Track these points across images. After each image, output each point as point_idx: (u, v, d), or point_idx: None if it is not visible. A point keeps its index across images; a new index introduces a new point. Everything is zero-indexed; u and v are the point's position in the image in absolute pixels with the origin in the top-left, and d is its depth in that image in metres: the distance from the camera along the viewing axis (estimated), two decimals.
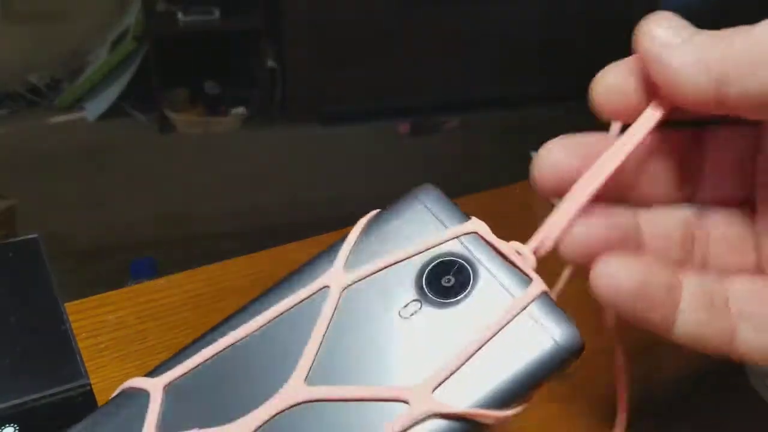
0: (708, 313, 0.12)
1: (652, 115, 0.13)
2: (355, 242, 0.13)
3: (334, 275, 0.13)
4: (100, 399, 0.22)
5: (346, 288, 0.12)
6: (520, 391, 0.10)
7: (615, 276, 0.12)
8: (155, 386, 0.12)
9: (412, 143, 1.53)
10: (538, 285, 0.12)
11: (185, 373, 0.12)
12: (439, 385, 0.10)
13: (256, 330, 0.13)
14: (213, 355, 0.12)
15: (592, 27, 1.69)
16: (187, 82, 1.59)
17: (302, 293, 0.13)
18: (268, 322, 0.13)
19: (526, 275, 0.12)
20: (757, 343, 0.12)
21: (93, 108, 1.56)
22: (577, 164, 0.14)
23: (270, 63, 1.56)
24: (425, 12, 1.59)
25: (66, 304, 0.24)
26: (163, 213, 1.22)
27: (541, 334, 0.11)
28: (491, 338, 0.11)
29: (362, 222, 0.13)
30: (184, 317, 0.26)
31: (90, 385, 0.22)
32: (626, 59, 0.14)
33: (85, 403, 0.22)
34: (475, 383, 0.10)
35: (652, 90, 0.13)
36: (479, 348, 0.11)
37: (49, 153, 1.40)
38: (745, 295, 0.13)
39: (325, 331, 0.12)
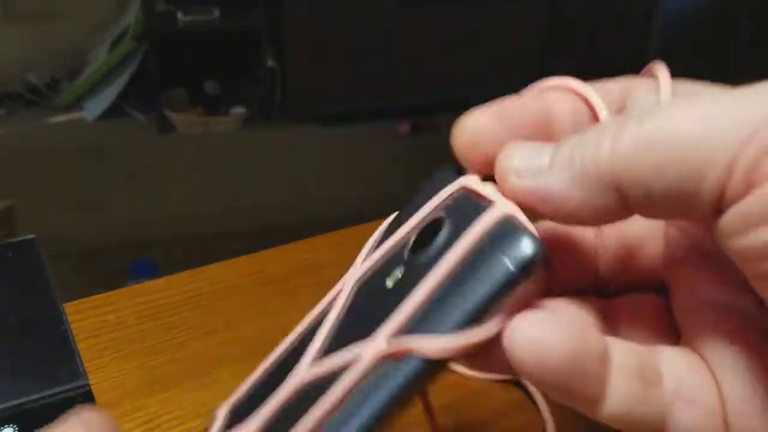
0: (642, 388, 0.10)
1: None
2: (378, 238, 0.13)
3: (352, 271, 0.13)
4: (100, 399, 0.22)
5: (358, 280, 0.13)
6: (473, 314, 0.10)
7: (543, 342, 0.10)
8: (222, 409, 0.13)
9: (412, 143, 1.54)
10: (498, 208, 0.10)
11: (245, 391, 0.13)
12: (399, 330, 0.10)
13: (295, 338, 0.13)
14: (265, 369, 0.13)
15: (592, 27, 1.70)
16: (187, 82, 1.59)
17: (330, 295, 0.13)
18: (305, 328, 0.13)
19: (490, 202, 0.11)
20: (693, 427, 0.10)
21: (92, 108, 1.56)
22: (503, 136, 0.12)
23: (270, 63, 1.56)
24: (425, 12, 1.59)
25: (65, 305, 0.24)
26: (162, 213, 1.22)
27: (493, 256, 0.10)
28: (447, 275, 0.10)
29: (388, 219, 0.13)
30: (184, 317, 0.26)
31: (89, 385, 0.22)
32: (492, 106, 0.12)
33: (84, 403, 0.22)
34: (428, 318, 0.10)
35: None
36: (434, 287, 0.10)
37: (48, 153, 1.40)
38: (683, 370, 0.11)
39: (336, 322, 0.12)
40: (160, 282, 0.28)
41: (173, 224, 1.18)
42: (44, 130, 1.52)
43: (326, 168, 1.41)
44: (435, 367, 0.10)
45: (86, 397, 0.22)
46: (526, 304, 0.10)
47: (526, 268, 0.10)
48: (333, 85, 1.58)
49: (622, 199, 0.10)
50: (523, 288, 0.10)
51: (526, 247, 0.10)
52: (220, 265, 0.29)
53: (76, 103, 1.58)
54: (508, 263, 0.10)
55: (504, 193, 0.11)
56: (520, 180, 0.11)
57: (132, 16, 1.53)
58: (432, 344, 0.10)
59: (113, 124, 1.55)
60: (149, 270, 0.97)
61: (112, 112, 1.56)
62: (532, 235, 0.10)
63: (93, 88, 1.57)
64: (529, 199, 0.11)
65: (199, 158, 1.45)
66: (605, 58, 1.73)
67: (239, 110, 1.59)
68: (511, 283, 0.10)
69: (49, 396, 0.21)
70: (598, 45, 1.70)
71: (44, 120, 1.54)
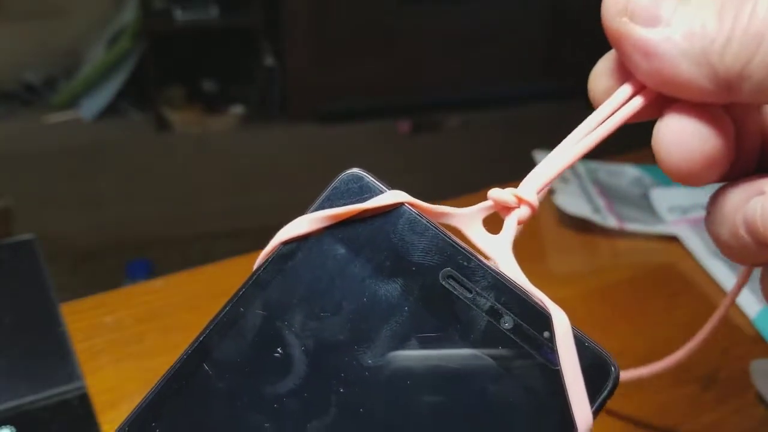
0: None
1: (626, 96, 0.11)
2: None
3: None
4: (97, 402, 0.22)
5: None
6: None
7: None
8: None
9: (412, 143, 1.53)
10: (563, 322, 0.11)
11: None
12: None
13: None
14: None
15: (594, 25, 1.69)
16: (185, 80, 1.58)
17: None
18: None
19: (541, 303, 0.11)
20: None
21: (89, 107, 1.55)
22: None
23: (268, 61, 1.55)
24: (425, 10, 1.58)
25: (62, 306, 0.24)
26: (160, 213, 1.21)
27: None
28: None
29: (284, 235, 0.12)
30: (183, 319, 0.26)
31: (85, 387, 0.21)
32: None
33: (80, 405, 0.21)
34: None
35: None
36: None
37: (44, 152, 1.39)
38: None
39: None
40: (158, 283, 0.28)
41: (171, 224, 1.17)
42: (41, 130, 1.51)
43: (326, 167, 1.40)
44: None
45: (82, 400, 0.21)
46: None
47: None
48: (332, 84, 1.57)
49: (731, 87, 0.10)
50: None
51: (614, 380, 0.10)
52: (218, 265, 0.29)
53: (73, 102, 1.57)
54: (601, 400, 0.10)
55: (607, 31, 0.10)
56: (631, 24, 0.10)
57: (129, 14, 1.52)
58: None
59: (110, 123, 1.54)
60: (145, 271, 0.97)
61: (110, 110, 1.55)
62: (610, 362, 0.10)
63: (90, 87, 1.56)
64: (631, 48, 0.10)
65: (198, 157, 1.44)
66: None
67: (237, 109, 1.58)
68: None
69: (45, 398, 0.20)
70: (600, 44, 1.69)
71: (41, 119, 1.53)
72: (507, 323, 0.11)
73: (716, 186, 0.12)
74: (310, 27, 1.51)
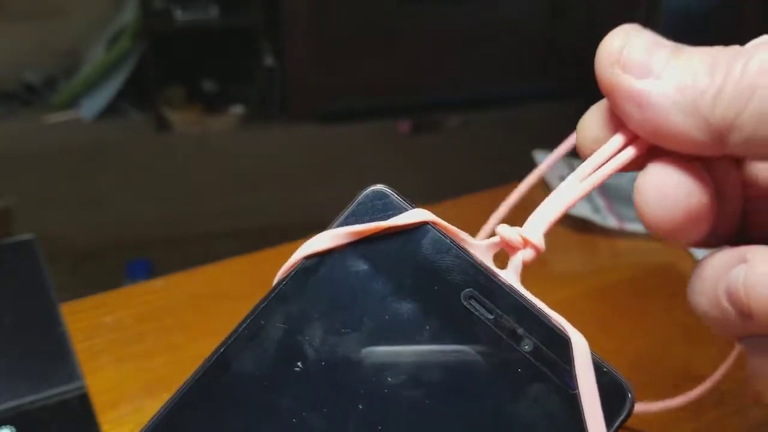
0: None
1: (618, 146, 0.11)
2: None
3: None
4: (97, 402, 0.22)
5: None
6: None
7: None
8: None
9: (412, 143, 1.53)
10: (581, 346, 0.11)
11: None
12: None
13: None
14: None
15: (593, 26, 1.69)
16: (185, 80, 1.58)
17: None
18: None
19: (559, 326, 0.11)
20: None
21: (89, 107, 1.55)
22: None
23: (268, 61, 1.55)
24: (425, 10, 1.58)
25: (62, 306, 0.24)
26: (160, 213, 1.21)
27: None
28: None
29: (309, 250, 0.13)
30: (183, 319, 0.26)
31: (85, 388, 0.21)
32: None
33: (80, 405, 0.21)
34: None
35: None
36: None
37: (44, 152, 1.39)
38: None
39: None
40: (158, 283, 0.28)
41: (171, 224, 1.17)
42: (41, 130, 1.51)
43: (326, 167, 1.40)
44: None
45: (82, 399, 0.21)
46: None
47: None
48: (332, 84, 1.57)
49: (722, 138, 0.10)
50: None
51: (630, 405, 0.10)
52: (218, 265, 0.29)
53: (73, 102, 1.57)
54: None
55: (600, 82, 0.10)
56: (624, 75, 0.10)
57: (129, 14, 1.52)
58: None
59: (110, 123, 1.54)
60: (144, 271, 0.97)
61: (110, 110, 1.55)
62: (627, 388, 0.10)
63: (90, 87, 1.56)
64: (624, 98, 0.10)
65: (197, 157, 1.44)
66: None
67: (237, 109, 1.58)
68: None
69: (45, 398, 0.20)
70: (599, 44, 1.69)
71: (41, 119, 1.53)
72: (527, 346, 0.11)
73: None
74: (310, 27, 1.51)
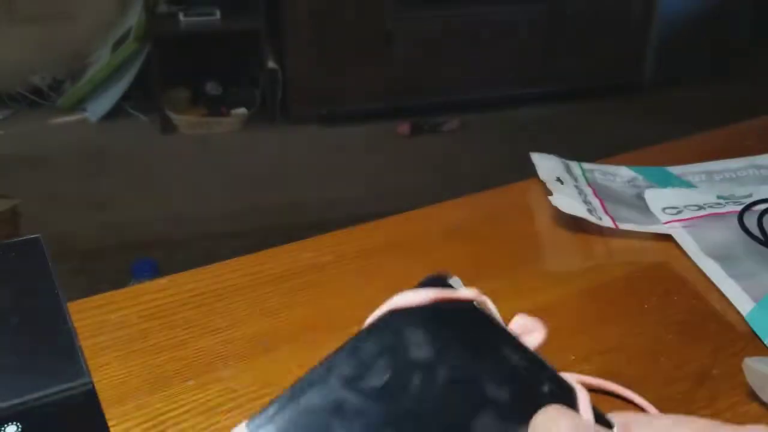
0: None
1: None
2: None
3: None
4: (103, 398, 0.23)
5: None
6: None
7: None
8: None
9: (412, 145, 1.54)
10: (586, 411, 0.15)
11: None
12: None
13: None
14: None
15: (592, 28, 1.69)
16: (189, 83, 1.59)
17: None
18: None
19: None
20: None
21: (95, 109, 1.57)
22: None
23: (271, 64, 1.56)
24: (425, 13, 1.59)
25: (68, 304, 0.24)
26: (164, 213, 1.22)
27: None
28: None
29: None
30: (186, 317, 0.26)
31: (92, 383, 0.22)
32: None
33: (87, 401, 0.22)
34: None
35: None
36: None
37: (51, 154, 1.41)
38: None
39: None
40: (162, 282, 0.28)
41: (175, 224, 1.18)
42: (47, 132, 1.53)
43: (326, 168, 1.41)
44: None
45: (89, 396, 0.22)
46: None
47: None
48: (333, 87, 1.58)
49: None
50: None
51: None
52: (222, 264, 0.30)
53: (79, 105, 1.59)
54: None
55: None
56: None
57: (134, 17, 1.53)
58: None
59: (116, 125, 1.55)
60: (150, 270, 0.98)
61: (115, 113, 1.56)
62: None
63: (95, 90, 1.57)
64: None
65: (201, 158, 1.45)
66: (605, 58, 1.73)
67: (240, 111, 1.59)
68: None
69: (52, 394, 0.21)
70: (598, 45, 1.70)
71: (47, 121, 1.55)
72: (546, 388, 0.15)
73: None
74: (312, 30, 1.52)
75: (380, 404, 0.14)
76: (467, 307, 0.15)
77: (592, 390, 0.23)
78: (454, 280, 0.16)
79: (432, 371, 0.14)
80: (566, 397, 0.14)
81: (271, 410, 0.14)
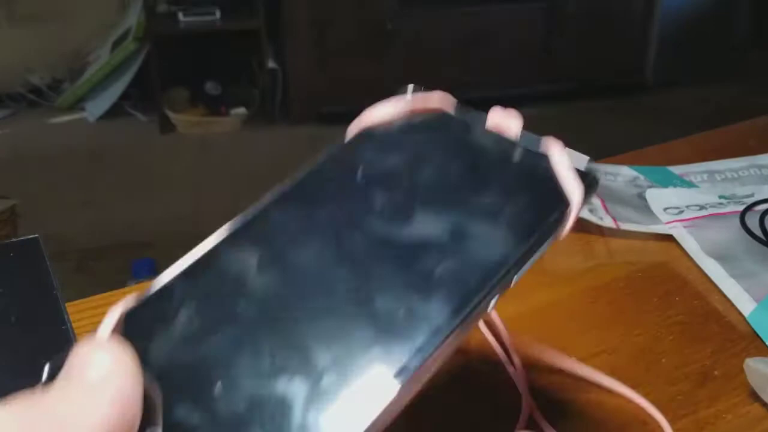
0: None
1: None
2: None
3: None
4: None
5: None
6: None
7: None
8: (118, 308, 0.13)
9: None
10: None
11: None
12: None
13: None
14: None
15: (592, 27, 1.69)
16: (188, 83, 1.59)
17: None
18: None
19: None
20: None
21: (94, 108, 1.56)
22: None
23: (270, 63, 1.56)
24: (425, 12, 1.59)
25: (67, 304, 0.24)
26: (163, 213, 1.22)
27: None
28: None
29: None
30: None
31: None
32: None
33: None
34: None
35: None
36: None
37: (50, 153, 1.40)
38: None
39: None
40: None
41: (174, 224, 1.18)
42: (46, 131, 1.52)
43: None
44: None
45: None
46: None
47: None
48: (333, 86, 1.58)
49: None
50: None
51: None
52: None
53: (78, 104, 1.58)
54: None
55: None
56: None
57: (133, 17, 1.53)
58: None
59: (115, 125, 1.55)
60: (149, 270, 0.98)
61: (114, 112, 1.56)
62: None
63: (95, 89, 1.57)
64: None
65: (200, 158, 1.45)
66: (605, 58, 1.73)
67: (240, 110, 1.59)
68: None
69: None
70: (596, 48, 1.70)
71: (46, 121, 1.55)
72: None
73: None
74: (312, 30, 1.52)
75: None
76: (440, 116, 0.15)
77: (597, 386, 0.23)
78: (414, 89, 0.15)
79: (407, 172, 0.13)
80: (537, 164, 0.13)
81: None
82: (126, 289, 0.28)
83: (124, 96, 1.57)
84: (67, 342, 0.23)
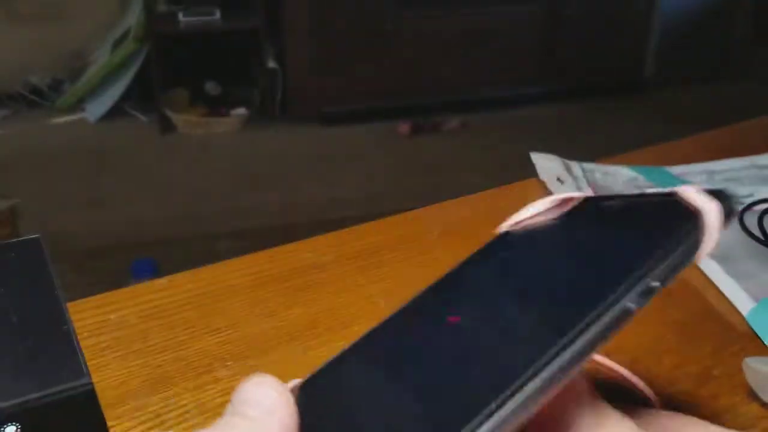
0: None
1: None
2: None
3: None
4: (102, 398, 0.22)
5: None
6: None
7: None
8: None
9: (412, 144, 1.54)
10: None
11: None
12: None
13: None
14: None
15: (591, 27, 1.69)
16: (188, 83, 1.59)
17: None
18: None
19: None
20: None
21: (94, 109, 1.56)
22: None
23: (270, 63, 1.56)
24: (425, 12, 1.59)
25: (68, 304, 0.24)
26: (163, 213, 1.22)
27: None
28: None
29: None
30: (186, 317, 0.26)
31: (92, 384, 0.22)
32: None
33: (87, 402, 0.22)
34: None
35: None
36: None
37: (50, 153, 1.41)
38: None
39: None
40: (162, 282, 0.28)
41: (174, 224, 1.18)
42: (46, 131, 1.52)
43: (327, 168, 1.41)
44: None
45: (89, 396, 0.22)
46: None
47: None
48: (333, 86, 1.58)
49: None
50: None
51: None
52: (221, 264, 0.30)
53: (78, 104, 1.58)
54: None
55: None
56: None
57: (133, 17, 1.53)
58: None
59: (115, 125, 1.55)
60: (150, 270, 0.98)
61: (114, 112, 1.56)
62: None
63: (95, 89, 1.57)
64: None
65: (200, 158, 1.45)
66: (605, 58, 1.73)
67: (240, 111, 1.59)
68: None
69: (52, 394, 0.21)
70: (597, 45, 1.70)
71: (46, 121, 1.55)
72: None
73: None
74: (311, 30, 1.52)
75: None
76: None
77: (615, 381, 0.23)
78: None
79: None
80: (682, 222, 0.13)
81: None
82: (126, 289, 0.28)
83: (125, 96, 1.57)
84: (68, 342, 0.23)
